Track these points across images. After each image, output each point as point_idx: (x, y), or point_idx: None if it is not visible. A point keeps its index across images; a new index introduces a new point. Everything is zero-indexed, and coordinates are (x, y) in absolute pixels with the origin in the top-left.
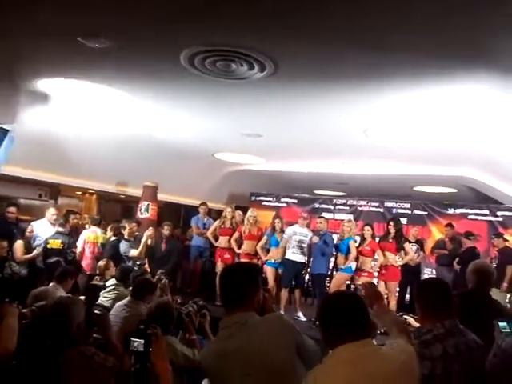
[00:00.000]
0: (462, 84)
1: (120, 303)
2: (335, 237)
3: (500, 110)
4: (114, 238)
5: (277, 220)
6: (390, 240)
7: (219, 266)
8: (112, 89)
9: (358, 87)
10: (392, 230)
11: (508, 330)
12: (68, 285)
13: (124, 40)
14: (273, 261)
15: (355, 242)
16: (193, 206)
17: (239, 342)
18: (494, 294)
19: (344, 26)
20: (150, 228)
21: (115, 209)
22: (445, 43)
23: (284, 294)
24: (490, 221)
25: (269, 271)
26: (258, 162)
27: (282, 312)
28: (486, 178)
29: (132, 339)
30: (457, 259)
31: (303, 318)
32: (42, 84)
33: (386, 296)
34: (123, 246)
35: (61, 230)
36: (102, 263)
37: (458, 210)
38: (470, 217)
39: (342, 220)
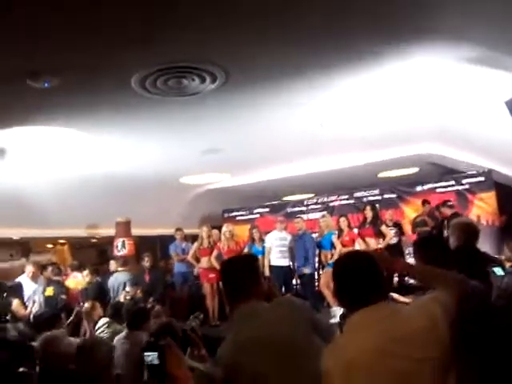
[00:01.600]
0: (412, 58)
1: (118, 337)
2: (314, 236)
3: (450, 79)
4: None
5: (254, 230)
6: (367, 226)
7: (206, 288)
8: (67, 129)
9: (309, 80)
10: (369, 215)
11: (502, 273)
12: (61, 326)
13: (72, 75)
14: None
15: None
16: (167, 235)
17: (254, 331)
18: None
19: (286, 19)
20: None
21: (90, 254)
22: (387, 20)
23: None
24: (458, 190)
25: None
26: (223, 178)
27: None
28: (447, 151)
29: (145, 354)
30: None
31: None
32: None
33: None
34: (120, 277)
35: (55, 278)
36: (87, 305)
37: (426, 186)
38: (438, 190)
39: (317, 219)
